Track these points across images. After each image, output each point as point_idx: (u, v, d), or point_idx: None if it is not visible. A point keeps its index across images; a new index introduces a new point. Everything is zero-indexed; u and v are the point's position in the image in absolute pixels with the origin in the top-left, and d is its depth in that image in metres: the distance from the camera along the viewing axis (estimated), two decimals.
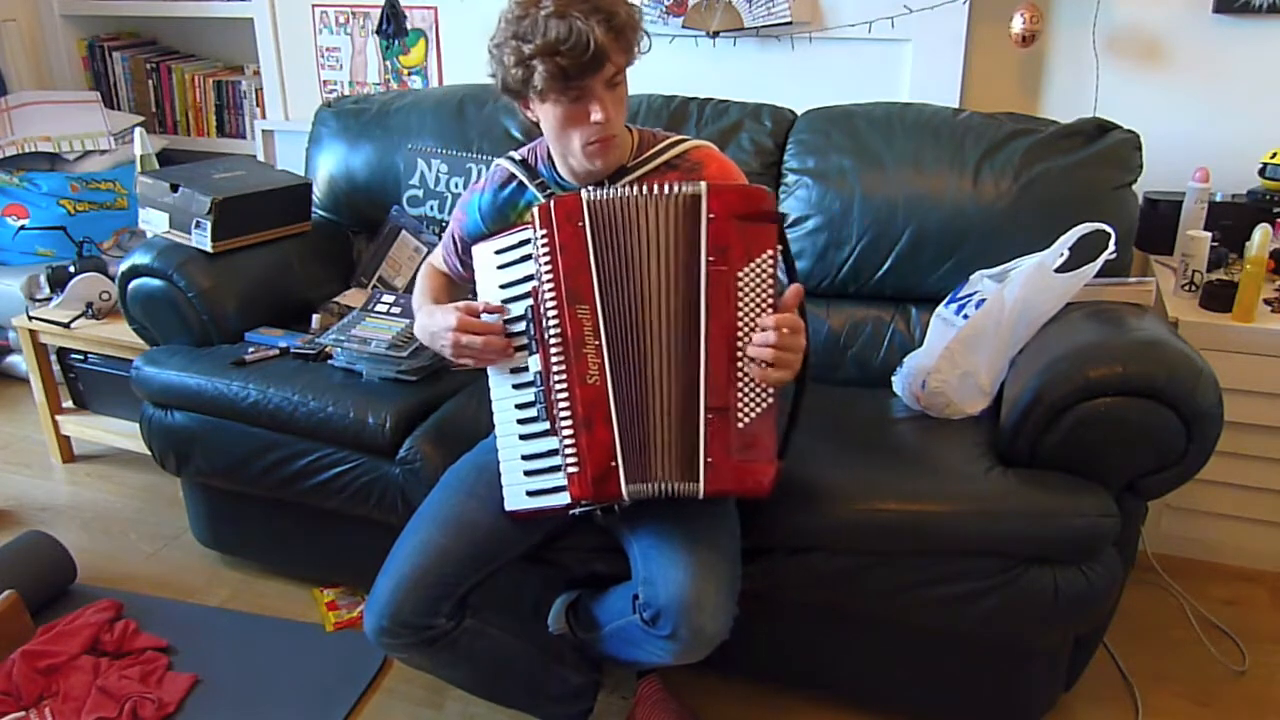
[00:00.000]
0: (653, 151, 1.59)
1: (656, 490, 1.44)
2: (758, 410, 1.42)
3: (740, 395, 1.42)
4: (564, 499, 1.47)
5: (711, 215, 1.40)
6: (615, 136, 1.50)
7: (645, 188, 1.43)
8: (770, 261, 1.41)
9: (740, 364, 1.41)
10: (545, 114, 1.48)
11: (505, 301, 1.52)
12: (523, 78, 1.42)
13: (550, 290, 1.43)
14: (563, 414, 1.43)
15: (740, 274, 1.40)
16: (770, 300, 1.41)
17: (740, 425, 1.42)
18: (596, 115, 1.44)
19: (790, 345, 1.39)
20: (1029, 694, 1.76)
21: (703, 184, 1.41)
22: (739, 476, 1.42)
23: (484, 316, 1.52)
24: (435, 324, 1.56)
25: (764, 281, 1.41)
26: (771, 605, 1.73)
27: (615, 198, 1.43)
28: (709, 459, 1.42)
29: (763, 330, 1.39)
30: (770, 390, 1.42)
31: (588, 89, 1.42)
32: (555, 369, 1.43)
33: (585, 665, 1.69)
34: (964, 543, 1.59)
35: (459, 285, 1.81)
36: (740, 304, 1.40)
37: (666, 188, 1.42)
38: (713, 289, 1.41)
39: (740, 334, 1.41)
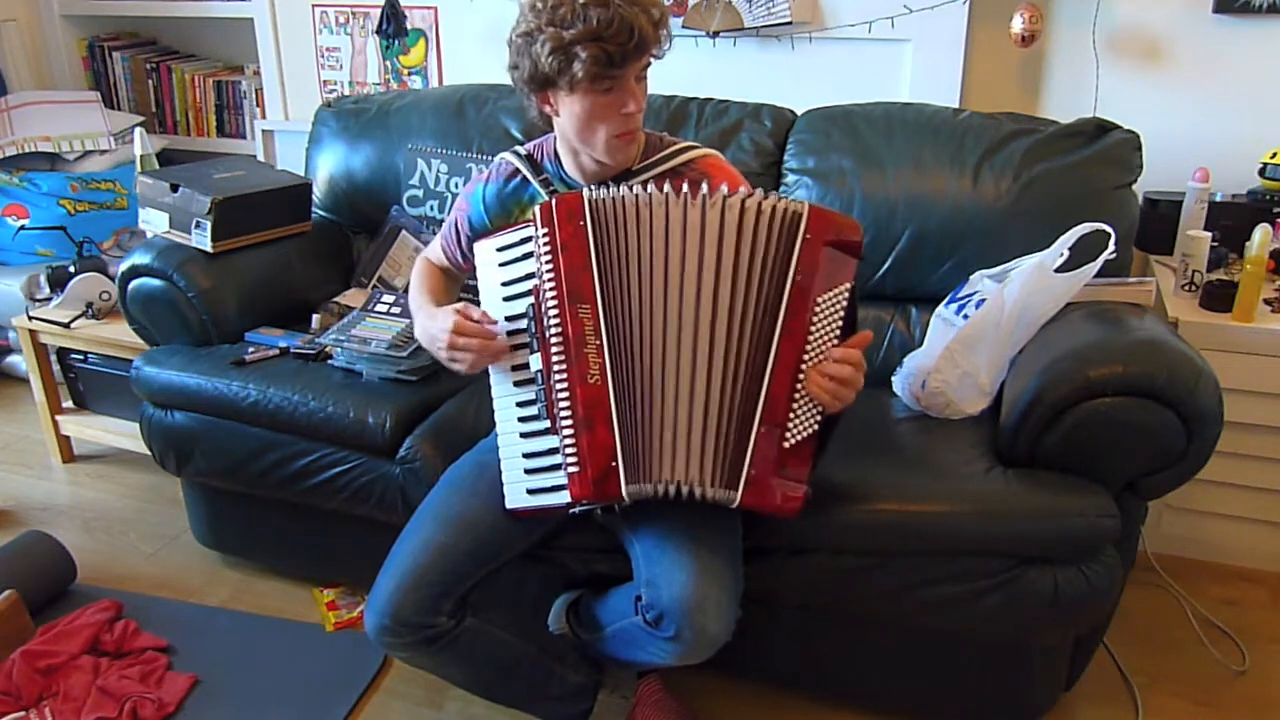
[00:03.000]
0: (660, 156, 1.60)
1: (666, 491, 1.44)
2: (805, 433, 1.43)
3: (794, 415, 1.42)
4: (564, 498, 1.47)
5: (808, 236, 1.42)
6: (638, 130, 1.52)
7: (657, 188, 1.44)
8: (846, 294, 1.43)
9: (801, 385, 1.42)
10: (572, 106, 1.47)
11: (507, 299, 1.52)
12: (559, 66, 1.41)
13: (551, 289, 1.43)
14: (563, 413, 1.43)
15: (819, 299, 1.42)
16: (839, 331, 1.43)
17: (787, 445, 1.42)
18: (631, 106, 1.45)
19: (854, 381, 1.41)
20: (1029, 694, 1.76)
21: (805, 203, 1.43)
22: (775, 495, 1.43)
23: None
24: (434, 326, 1.56)
25: (837, 311, 1.43)
26: (772, 606, 1.73)
27: (619, 197, 1.43)
28: (753, 471, 1.42)
29: (836, 361, 1.40)
30: (819, 416, 1.43)
31: (621, 80, 1.43)
32: (556, 368, 1.43)
33: (586, 665, 1.69)
34: (964, 543, 1.59)
35: (456, 279, 1.81)
36: (813, 328, 1.42)
37: (767, 199, 1.43)
38: (793, 307, 1.42)
39: (807, 356, 1.42)
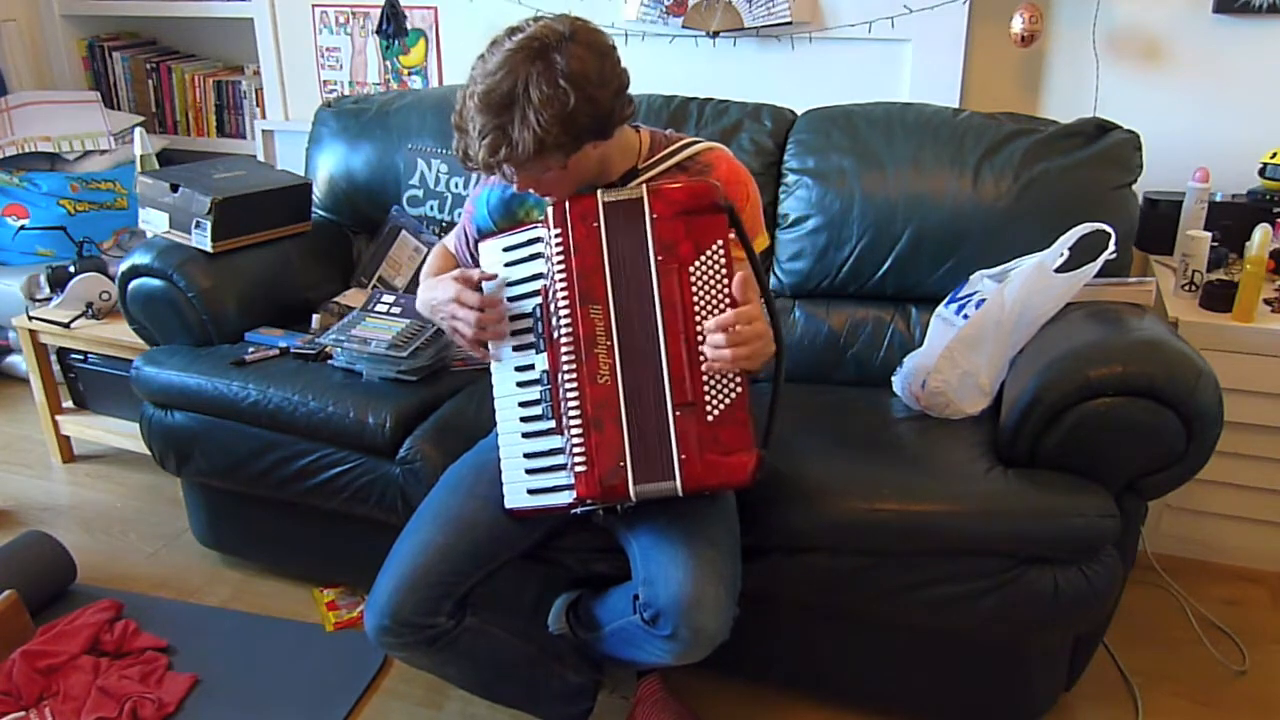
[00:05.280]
0: (664, 153, 1.60)
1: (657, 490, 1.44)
2: (727, 401, 1.42)
3: (707, 388, 1.42)
4: (565, 498, 1.47)
5: (655, 215, 1.41)
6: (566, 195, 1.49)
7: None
8: (722, 251, 1.41)
9: (703, 356, 1.41)
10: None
11: (512, 300, 1.52)
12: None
13: (563, 289, 1.43)
14: (571, 413, 1.43)
15: (692, 267, 1.41)
16: (726, 287, 1.41)
17: (710, 418, 1.42)
18: (536, 193, 1.48)
19: (746, 337, 1.38)
20: (1029, 694, 1.76)
21: (643, 188, 1.42)
22: (715, 470, 1.42)
23: (484, 285, 1.53)
24: (435, 295, 1.57)
25: (718, 271, 1.41)
26: (771, 605, 1.73)
27: (630, 199, 1.43)
28: (682, 455, 1.42)
29: (712, 334, 1.38)
30: (738, 380, 1.42)
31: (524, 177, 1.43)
32: (566, 368, 1.44)
33: (585, 665, 1.69)
34: (964, 543, 1.59)
35: None
36: (696, 296, 1.41)
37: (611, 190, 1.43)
38: (663, 285, 1.42)
39: (699, 326, 1.41)
